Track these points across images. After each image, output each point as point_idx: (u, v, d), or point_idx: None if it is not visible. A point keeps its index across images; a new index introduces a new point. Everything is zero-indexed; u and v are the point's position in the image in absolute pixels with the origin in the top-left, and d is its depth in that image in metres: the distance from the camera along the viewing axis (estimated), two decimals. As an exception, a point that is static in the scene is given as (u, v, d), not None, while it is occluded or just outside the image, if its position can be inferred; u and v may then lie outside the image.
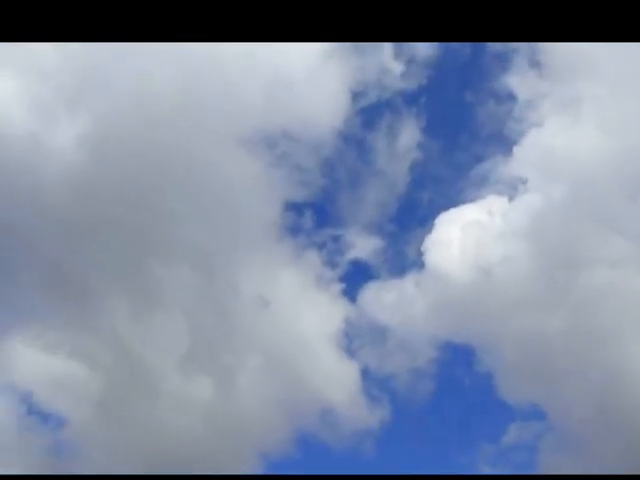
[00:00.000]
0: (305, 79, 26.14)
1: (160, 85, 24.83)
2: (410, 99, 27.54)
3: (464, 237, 26.54)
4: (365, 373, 25.22)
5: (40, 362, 24.18)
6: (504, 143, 27.26)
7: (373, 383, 25.16)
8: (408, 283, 26.58)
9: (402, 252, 27.15)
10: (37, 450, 23.41)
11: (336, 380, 25.13)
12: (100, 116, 25.17)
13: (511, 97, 27.57)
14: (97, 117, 25.18)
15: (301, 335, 25.93)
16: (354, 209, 27.23)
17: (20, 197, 24.96)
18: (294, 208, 26.39)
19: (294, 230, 26.48)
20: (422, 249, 26.37)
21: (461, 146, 27.82)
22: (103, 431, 23.59)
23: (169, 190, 25.62)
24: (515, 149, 26.92)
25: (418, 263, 26.50)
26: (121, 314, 25.26)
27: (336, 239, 27.10)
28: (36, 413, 23.79)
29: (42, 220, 25.20)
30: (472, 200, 27.11)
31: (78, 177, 25.26)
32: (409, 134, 27.19)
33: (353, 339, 25.93)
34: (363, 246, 27.00)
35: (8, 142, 25.01)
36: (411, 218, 27.58)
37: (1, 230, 24.51)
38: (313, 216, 26.77)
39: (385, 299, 26.39)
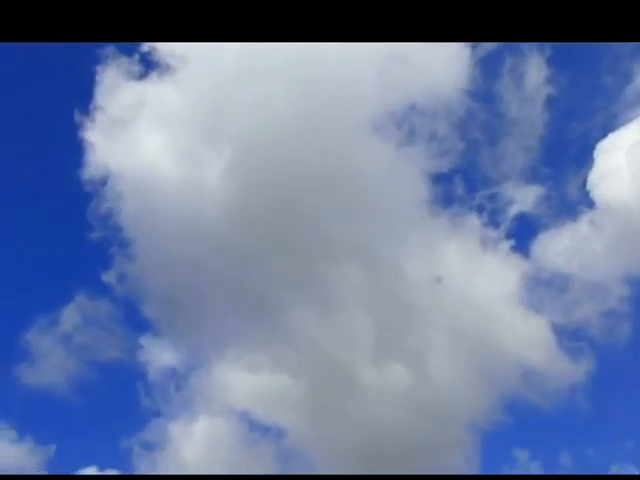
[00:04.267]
0: (418, 48, 25.47)
1: (280, 101, 25.42)
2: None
3: (631, 161, 24.72)
4: (555, 326, 24.64)
5: (248, 382, 26.24)
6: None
7: (566, 335, 24.54)
8: (581, 225, 25.46)
9: (566, 194, 26.01)
10: (267, 461, 25.59)
11: (527, 339, 24.81)
12: (237, 145, 26.41)
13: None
14: (235, 147, 26.42)
15: (481, 301, 25.80)
16: (501, 164, 26.37)
17: (188, 236, 27.11)
18: (440, 179, 26.12)
19: (447, 200, 26.26)
20: (587, 186, 25.00)
21: (598, 70, 25.74)
22: (319, 433, 25.25)
23: (317, 195, 26.37)
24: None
25: (586, 201, 25.23)
26: (308, 322, 26.62)
27: (492, 198, 26.48)
28: (257, 428, 25.84)
29: (214, 252, 27.17)
30: (629, 121, 25.08)
31: (233, 206, 26.79)
32: (535, 72, 25.72)
33: (535, 294, 25.39)
34: (523, 198, 26.20)
35: (165, 190, 27.11)
36: (565, 157, 26.22)
37: (182, 267, 26.84)
38: (462, 182, 26.34)
39: (560, 246, 25.49)
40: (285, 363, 26.05)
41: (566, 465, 24.57)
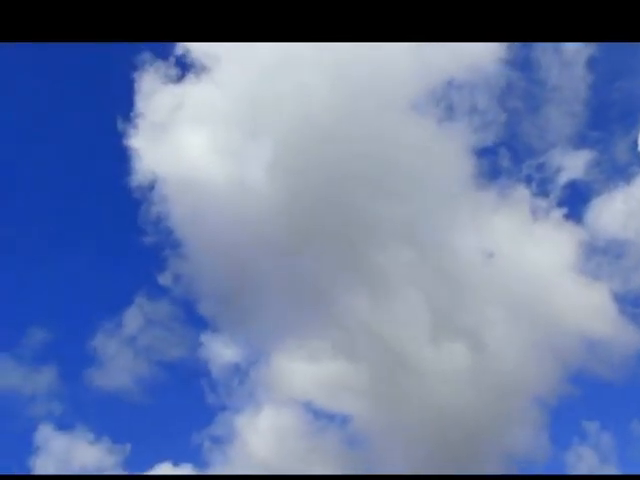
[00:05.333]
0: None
1: (318, 90, 25.42)
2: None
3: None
4: (616, 294, 24.03)
5: (308, 371, 26.47)
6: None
7: (628, 302, 23.90)
8: (635, 187, 24.65)
9: (617, 157, 25.27)
10: (335, 448, 25.83)
11: (588, 308, 24.29)
12: (279, 138, 26.50)
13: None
14: (276, 140, 26.52)
15: (536, 273, 25.36)
16: (546, 132, 25.77)
17: (236, 231, 27.41)
18: (485, 152, 25.74)
19: (493, 174, 25.86)
20: (638, 146, 24.19)
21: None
22: (383, 417, 25.32)
23: (361, 180, 26.29)
24: None
25: (638, 162, 24.42)
26: (363, 306, 26.62)
27: (540, 168, 25.94)
28: (322, 416, 26.07)
29: (263, 245, 27.42)
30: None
31: (279, 198, 26.97)
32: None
33: (592, 262, 24.81)
34: (572, 164, 25.58)
35: (211, 188, 27.47)
36: (612, 119, 25.46)
37: (234, 263, 27.20)
38: (507, 154, 25.87)
39: (614, 211, 24.77)
40: (343, 349, 26.24)
41: (638, 434, 24.05)
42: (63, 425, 25.64)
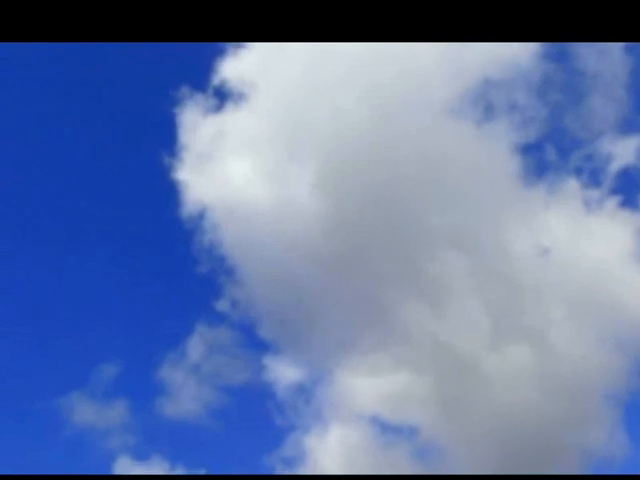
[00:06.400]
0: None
1: (354, 107, 25.55)
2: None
3: None
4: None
5: (372, 385, 26.41)
6: None
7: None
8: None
9: (668, 138, 24.36)
10: (405, 460, 25.62)
11: (653, 297, 23.46)
12: (321, 157, 26.71)
13: None
14: (319, 160, 26.72)
15: (596, 266, 24.70)
16: (591, 121, 25.16)
17: (288, 252, 27.63)
18: (530, 149, 25.29)
19: (540, 170, 25.37)
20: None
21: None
22: (450, 425, 25.00)
23: (407, 190, 26.24)
24: None
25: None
26: (421, 316, 26.43)
27: (589, 158, 25.33)
28: (389, 430, 25.98)
29: (315, 264, 27.53)
30: None
31: (327, 217, 27.10)
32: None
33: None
34: (622, 151, 24.90)
35: (259, 213, 27.81)
36: (658, 100, 24.61)
37: (288, 284, 27.41)
38: (553, 148, 25.37)
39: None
40: (405, 361, 26.09)
41: None
42: (139, 455, 26.30)
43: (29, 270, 29.33)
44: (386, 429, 25.95)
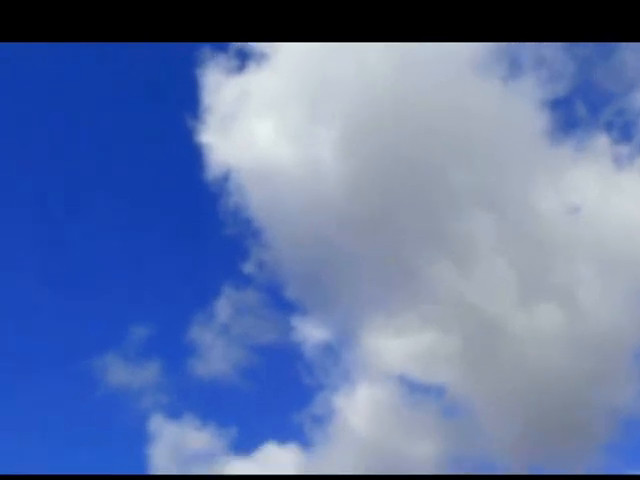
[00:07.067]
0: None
1: (378, 64, 25.10)
2: None
3: None
4: None
5: (399, 345, 26.52)
6: None
7: None
8: None
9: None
10: (433, 419, 25.87)
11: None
12: (346, 117, 26.32)
13: None
14: (344, 119, 26.31)
15: (625, 223, 24.30)
16: (622, 75, 24.44)
17: (313, 214, 27.52)
18: (558, 104, 24.70)
19: (569, 125, 24.84)
20: None
21: None
22: (478, 385, 25.11)
23: (433, 150, 25.86)
24: None
25: None
26: (448, 276, 26.30)
27: (620, 113, 24.71)
28: (417, 389, 26.18)
29: (341, 225, 27.37)
30: None
31: (353, 177, 26.74)
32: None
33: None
34: (655, 105, 24.12)
35: (284, 174, 27.52)
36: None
37: (314, 245, 27.43)
38: (582, 103, 24.77)
39: None
40: (432, 320, 26.11)
41: None
42: (172, 414, 26.93)
43: (62, 234, 29.91)
44: (414, 388, 26.20)
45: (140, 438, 26.36)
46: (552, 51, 24.52)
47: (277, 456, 25.81)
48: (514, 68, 24.68)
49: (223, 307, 27.98)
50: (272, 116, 28.11)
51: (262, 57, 27.23)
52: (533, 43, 24.05)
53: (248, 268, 27.42)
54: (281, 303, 27.93)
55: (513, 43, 24.19)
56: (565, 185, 24.79)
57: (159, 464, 26.02)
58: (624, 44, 24.30)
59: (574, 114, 24.99)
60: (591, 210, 24.40)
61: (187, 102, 28.22)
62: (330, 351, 27.21)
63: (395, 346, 26.51)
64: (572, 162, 24.82)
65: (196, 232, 29.98)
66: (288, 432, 26.49)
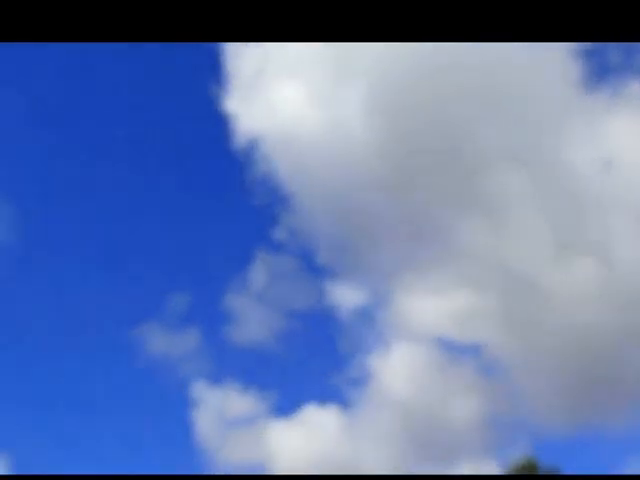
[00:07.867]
0: None
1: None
2: None
3: None
4: None
5: (435, 305, 26.36)
6: None
7: None
8: None
9: None
10: (470, 378, 25.87)
11: None
12: (372, 77, 25.84)
13: None
14: (370, 79, 25.85)
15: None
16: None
17: (342, 177, 27.22)
18: (592, 52, 23.89)
19: (602, 73, 24.03)
20: None
21: None
22: (515, 343, 24.96)
23: (463, 108, 25.21)
24: None
25: None
26: (481, 234, 25.95)
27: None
28: (453, 349, 26.14)
29: (370, 187, 27.05)
30: None
31: (380, 138, 26.39)
32: None
33: None
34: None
35: (311, 138, 27.19)
36: None
37: (344, 209, 27.29)
38: (615, 50, 23.86)
39: None
40: (467, 279, 25.92)
41: None
42: (213, 380, 27.44)
43: (102, 210, 30.39)
44: (450, 347, 26.17)
45: (183, 404, 27.06)
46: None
47: (318, 417, 26.30)
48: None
49: (257, 274, 28.23)
50: (296, 80, 27.77)
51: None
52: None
53: (279, 234, 27.54)
54: (313, 268, 28.05)
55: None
56: (599, 136, 24.10)
57: (202, 429, 26.72)
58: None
59: (608, 61, 24.13)
60: (625, 163, 23.72)
61: (210, 70, 28.06)
62: (365, 314, 27.31)
63: (430, 306, 26.42)
64: (606, 111, 24.10)
65: (225, 200, 30.17)
66: (327, 395, 26.83)
